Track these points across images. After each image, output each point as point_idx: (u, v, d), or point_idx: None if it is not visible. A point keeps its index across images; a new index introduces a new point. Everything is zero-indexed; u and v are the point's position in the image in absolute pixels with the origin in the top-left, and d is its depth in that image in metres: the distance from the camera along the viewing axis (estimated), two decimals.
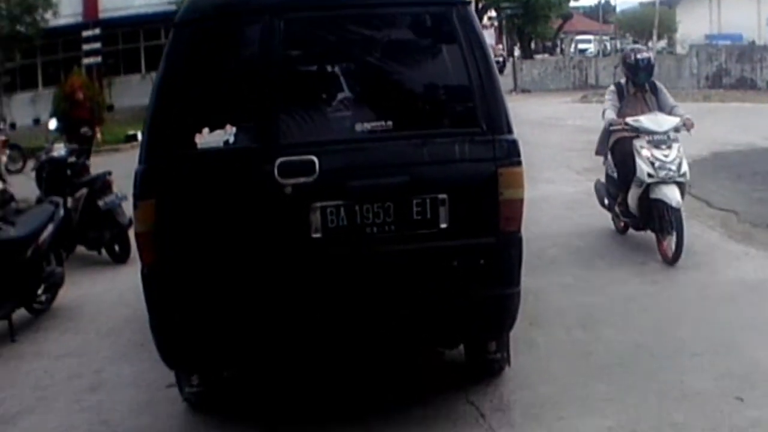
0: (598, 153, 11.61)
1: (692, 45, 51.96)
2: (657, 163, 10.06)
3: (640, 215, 10.59)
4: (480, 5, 64.28)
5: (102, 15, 30.97)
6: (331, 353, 6.45)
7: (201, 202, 5.95)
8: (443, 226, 6.00)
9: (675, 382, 6.61)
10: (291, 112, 6.18)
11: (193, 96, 6.15)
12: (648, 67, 10.78)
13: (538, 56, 57.32)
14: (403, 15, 6.46)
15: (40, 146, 17.35)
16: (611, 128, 10.64)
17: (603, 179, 11.61)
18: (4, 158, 15.60)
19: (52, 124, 16.57)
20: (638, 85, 10.77)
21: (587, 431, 6.03)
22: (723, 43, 51.22)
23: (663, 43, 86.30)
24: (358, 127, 6.11)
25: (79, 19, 30.97)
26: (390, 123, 6.12)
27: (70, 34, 29.94)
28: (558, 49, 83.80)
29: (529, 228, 6.53)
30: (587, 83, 43.54)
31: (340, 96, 6.32)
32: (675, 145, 10.19)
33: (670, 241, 9.98)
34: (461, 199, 6.03)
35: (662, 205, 10.04)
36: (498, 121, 6.11)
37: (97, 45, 26.39)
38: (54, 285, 9.50)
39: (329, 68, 6.42)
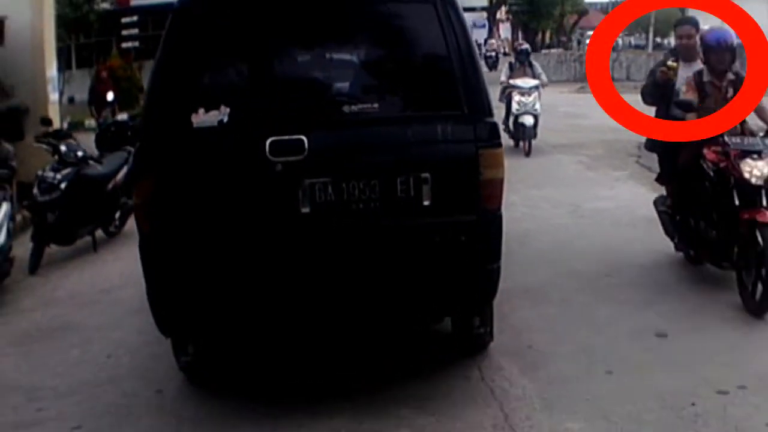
0: (500, 100, 19.02)
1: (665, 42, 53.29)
2: (521, 103, 18.87)
3: (514, 130, 19.01)
4: (494, 1, 66.08)
5: (134, 2, 32.54)
6: (319, 322, 6.54)
7: (196, 178, 6.17)
8: (426, 203, 6.17)
9: None
10: (282, 94, 6.43)
11: (189, 78, 6.39)
12: (525, 52, 20.80)
13: (553, 50, 58.42)
14: (390, 1, 6.72)
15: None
16: (502, 85, 19.88)
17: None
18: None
19: (110, 96, 18.97)
20: (521, 62, 20.28)
21: None
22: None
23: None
24: (346, 108, 6.34)
25: (109, 6, 32.98)
26: (376, 105, 6.36)
27: (104, 19, 32.03)
28: (574, 44, 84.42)
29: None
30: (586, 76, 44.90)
31: (329, 79, 6.66)
32: (534, 94, 19.08)
33: (525, 144, 18.77)
34: (444, 178, 6.20)
35: (522, 126, 18.72)
36: (479, 105, 6.33)
37: (135, 31, 27.93)
38: (125, 213, 12.01)
39: (319, 52, 6.70)
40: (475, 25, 78.44)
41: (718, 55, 8.65)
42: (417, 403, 6.21)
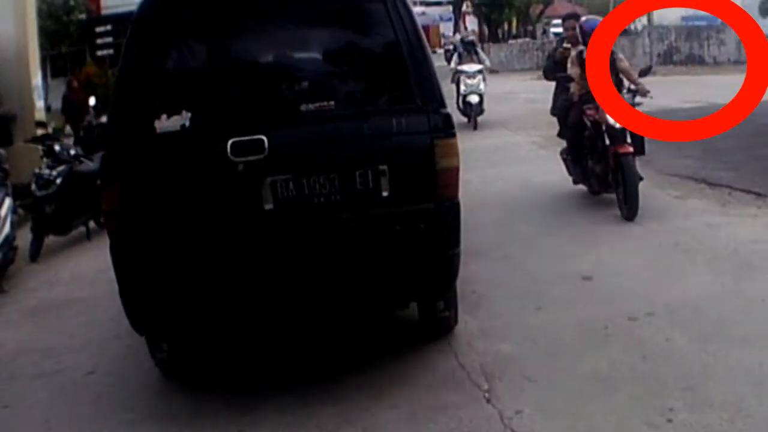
0: (451, 82, 23.27)
1: (644, 26, 54.53)
2: (468, 85, 22.43)
3: (464, 108, 22.47)
4: None
5: (105, 11, 32.90)
6: (288, 315, 6.65)
7: (162, 182, 6.29)
8: (385, 194, 6.33)
9: None
10: (241, 96, 6.57)
11: (151, 85, 6.49)
12: (471, 42, 24.69)
13: (519, 40, 59.14)
14: (344, 2, 6.91)
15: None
16: (452, 71, 24.13)
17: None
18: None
19: (92, 100, 19.96)
20: (467, 51, 23.83)
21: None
22: (698, 23, 52.40)
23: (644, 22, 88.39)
24: (303, 107, 6.46)
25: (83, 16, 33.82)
26: (332, 102, 6.52)
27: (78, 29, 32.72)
28: (539, 33, 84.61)
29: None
30: None
31: (286, 79, 6.76)
32: (478, 77, 22.65)
33: (473, 119, 22.20)
34: (401, 169, 6.37)
35: (469, 104, 22.31)
36: (432, 97, 6.50)
37: (109, 39, 28.46)
38: None
39: (275, 53, 6.92)
40: (441, 19, 79.19)
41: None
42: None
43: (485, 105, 22.76)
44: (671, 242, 9.56)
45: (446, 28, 71.59)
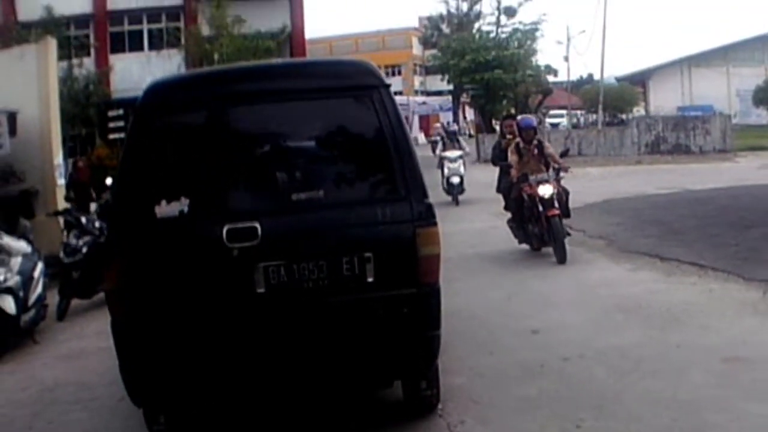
0: (437, 167, 27.62)
1: (633, 117, 56.22)
2: (450, 168, 26.42)
3: (447, 187, 26.21)
4: (453, 86, 68.73)
5: (115, 95, 35.21)
6: (279, 391, 6.98)
7: (161, 264, 6.59)
8: (370, 280, 6.62)
9: None
10: (236, 185, 6.88)
11: (152, 172, 6.80)
12: (453, 132, 29.27)
13: None
14: (332, 97, 7.10)
15: None
16: (437, 157, 28.35)
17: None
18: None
19: (109, 181, 21.50)
20: (450, 140, 27.96)
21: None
22: (694, 114, 55.39)
23: (641, 112, 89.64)
24: (294, 196, 6.78)
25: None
26: (321, 192, 6.82)
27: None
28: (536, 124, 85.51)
29: None
30: None
31: (278, 169, 6.99)
32: (459, 161, 26.60)
33: (455, 196, 26.07)
34: (385, 256, 6.66)
35: (452, 185, 26.05)
36: (415, 188, 6.79)
37: (121, 123, 30.13)
38: None
39: (270, 146, 7.17)
40: (441, 108, 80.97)
41: (527, 132, 16.19)
42: None
43: (465, 185, 26.60)
44: (614, 304, 11.13)
45: (446, 117, 73.16)
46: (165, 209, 6.64)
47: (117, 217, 6.98)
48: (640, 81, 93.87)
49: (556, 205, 14.95)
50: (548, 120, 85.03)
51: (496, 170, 18.43)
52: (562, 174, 15.76)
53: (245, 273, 6.53)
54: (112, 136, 30.78)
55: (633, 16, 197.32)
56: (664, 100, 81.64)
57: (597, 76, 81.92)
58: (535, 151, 15.93)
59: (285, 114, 7.07)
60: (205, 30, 38.27)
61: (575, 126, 74.83)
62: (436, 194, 22.56)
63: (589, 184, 28.30)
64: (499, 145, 19.26)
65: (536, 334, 9.93)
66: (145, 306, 6.55)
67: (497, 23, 68.81)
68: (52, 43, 19.79)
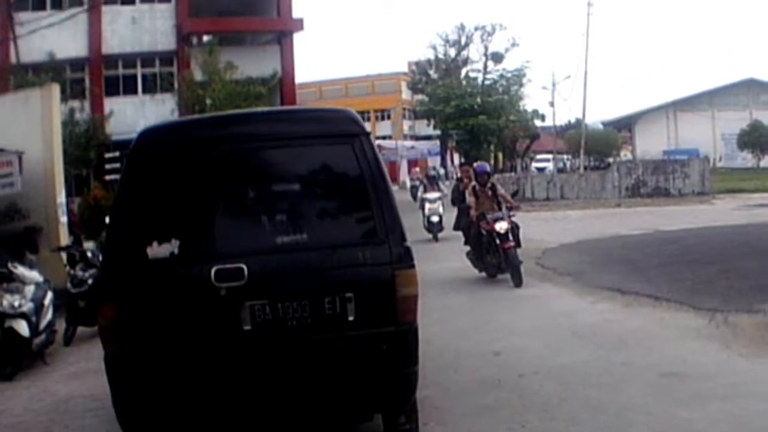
0: (419, 208, 29.88)
1: (614, 161, 57.24)
2: (430, 209, 28.44)
3: (428, 226, 27.80)
4: (440, 131, 69.70)
5: (112, 137, 36.05)
6: (265, 423, 7.22)
7: (153, 302, 6.85)
8: (351, 318, 6.91)
9: None
10: (224, 227, 7.12)
11: (144, 214, 7.07)
12: (433, 177, 31.52)
13: (497, 175, 61.17)
14: (316, 144, 7.34)
15: None
16: (419, 199, 31.21)
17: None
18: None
19: (108, 220, 22.41)
20: (431, 183, 30.60)
21: None
22: (679, 158, 56.13)
23: (629, 156, 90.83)
24: (279, 239, 7.04)
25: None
26: (305, 236, 7.08)
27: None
28: (519, 168, 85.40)
29: None
30: (524, 196, 46.10)
31: (265, 212, 7.27)
32: (438, 202, 28.64)
33: (435, 234, 27.85)
34: (365, 296, 6.93)
35: (432, 223, 27.89)
36: (394, 232, 7.07)
37: (117, 164, 30.67)
38: None
39: (256, 189, 7.38)
40: (430, 153, 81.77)
41: (481, 176, 18.94)
42: None
43: (444, 223, 27.80)
44: (571, 331, 12.38)
45: (434, 161, 73.97)
46: (156, 250, 6.93)
47: (110, 256, 7.31)
48: (626, 125, 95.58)
49: (511, 238, 17.32)
50: (534, 164, 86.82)
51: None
52: (513, 212, 18.35)
53: (232, 311, 6.82)
54: (108, 177, 31.62)
55: (619, 60, 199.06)
56: (650, 144, 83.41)
57: (585, 120, 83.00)
58: (490, 192, 18.55)
59: (271, 159, 7.41)
60: (198, 75, 39.42)
61: (561, 170, 75.75)
62: (417, 232, 24.24)
63: (567, 226, 29.89)
64: (457, 189, 23.83)
65: (498, 355, 11.04)
66: (137, 342, 6.85)
67: (484, 69, 70.22)
68: (55, 89, 20.64)
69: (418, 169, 58.71)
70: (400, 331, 6.99)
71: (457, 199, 22.34)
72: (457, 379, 9.94)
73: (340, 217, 7.37)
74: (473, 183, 19.16)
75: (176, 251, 6.95)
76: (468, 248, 19.34)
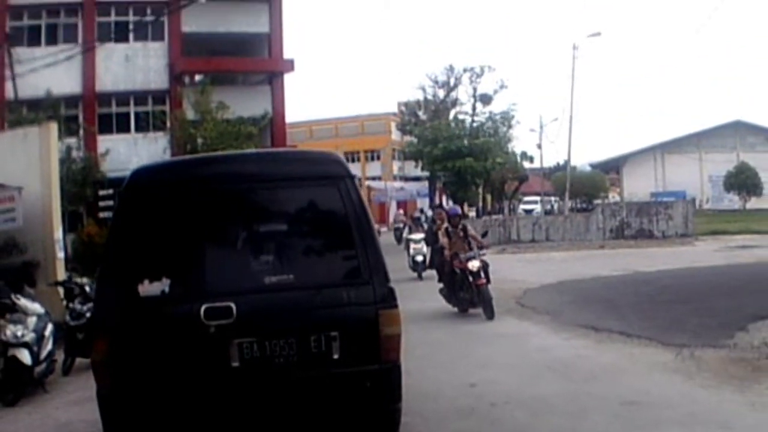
0: (404, 248, 32.44)
1: (598, 204, 57.71)
2: (415, 249, 29.61)
3: (413, 265, 28.94)
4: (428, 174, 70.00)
5: (110, 174, 36.24)
6: None
7: (144, 339, 7.02)
8: (335, 357, 7.11)
9: None
10: (214, 267, 7.31)
11: (135, 252, 7.25)
12: (417, 219, 32.08)
13: (484, 218, 61.56)
14: (301, 188, 7.59)
15: None
16: (404, 239, 35.37)
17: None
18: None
19: None
20: (415, 225, 34.64)
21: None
22: (667, 200, 57.28)
23: (616, 197, 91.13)
24: (267, 279, 7.27)
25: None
26: (292, 276, 7.33)
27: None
28: (506, 210, 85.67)
29: None
30: (510, 238, 48.29)
31: (253, 252, 7.54)
32: (422, 242, 29.23)
33: (419, 273, 28.27)
34: (350, 335, 7.14)
35: (416, 262, 28.87)
36: (378, 273, 7.30)
37: (110, 202, 31.18)
38: None
39: (244, 231, 7.57)
40: (419, 194, 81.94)
41: (454, 218, 20.66)
42: None
43: (428, 263, 28.13)
44: (544, 365, 13.04)
45: (423, 203, 74.04)
46: (147, 288, 7.23)
47: (103, 292, 7.55)
48: (614, 167, 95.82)
49: (482, 275, 18.73)
50: (522, 206, 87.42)
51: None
52: (483, 251, 19.85)
53: (221, 348, 7.06)
54: (102, 215, 32.19)
55: (607, 103, 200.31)
56: (637, 186, 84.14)
57: (572, 163, 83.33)
58: (461, 233, 20.02)
59: (259, 199, 7.71)
60: (190, 114, 40.07)
61: (548, 212, 76.14)
62: (403, 271, 25.42)
63: (550, 267, 30.52)
64: (431, 230, 26.80)
65: (473, 387, 11.66)
66: (129, 377, 7.07)
67: (473, 110, 70.57)
68: (53, 127, 21.32)
69: (401, 211, 59.64)
70: (383, 369, 7.25)
71: (431, 239, 24.94)
72: (434, 407, 10.54)
73: (325, 257, 7.63)
74: (445, 224, 21.07)
75: (167, 289, 7.27)
76: (441, 285, 20.73)
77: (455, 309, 19.93)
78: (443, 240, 20.52)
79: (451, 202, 67.57)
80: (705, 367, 12.31)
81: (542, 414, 10.06)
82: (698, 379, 11.59)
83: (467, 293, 19.18)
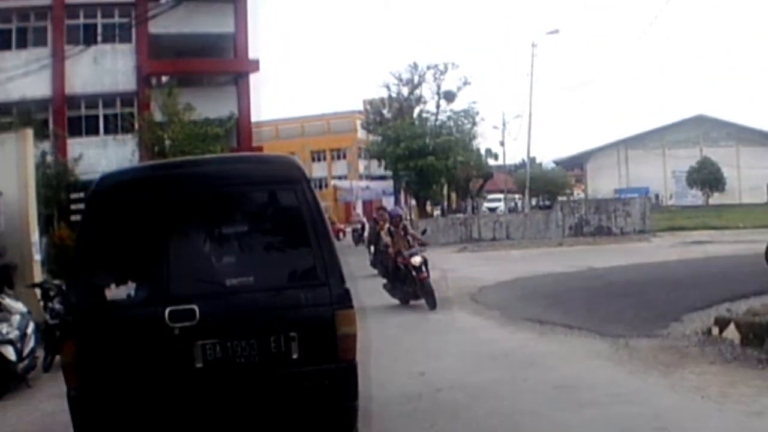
0: (366, 246, 34.41)
1: (558, 201, 58.60)
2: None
3: (374, 263, 27.37)
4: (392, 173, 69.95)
5: (83, 177, 36.45)
6: None
7: (111, 341, 7.14)
8: (294, 356, 7.28)
9: None
10: (177, 270, 7.35)
11: (102, 256, 7.44)
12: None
13: (445, 217, 61.90)
14: (260, 191, 7.83)
15: None
16: (365, 239, 38.43)
17: None
18: None
19: None
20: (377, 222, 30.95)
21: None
22: (630, 196, 58.46)
23: (580, 194, 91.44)
24: (228, 282, 7.43)
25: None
26: (252, 278, 7.49)
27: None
28: (469, 208, 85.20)
29: None
30: (471, 237, 49.50)
31: (214, 257, 7.67)
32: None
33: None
34: (307, 335, 7.30)
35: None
36: (334, 275, 7.46)
37: (81, 205, 31.81)
38: None
39: (207, 234, 7.71)
40: (385, 193, 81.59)
41: (395, 218, 22.73)
42: None
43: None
44: (488, 355, 14.18)
45: (388, 202, 74.27)
46: (114, 292, 7.31)
47: (71, 295, 7.86)
48: (578, 164, 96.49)
49: (424, 269, 20.61)
50: (486, 204, 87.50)
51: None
52: (423, 248, 21.71)
53: (185, 349, 7.20)
54: (73, 218, 32.38)
55: (570, 100, 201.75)
56: (602, 182, 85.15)
57: (537, 160, 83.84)
58: (402, 232, 21.94)
59: (219, 204, 7.82)
60: (158, 116, 40.68)
61: (512, 210, 76.66)
62: (365, 269, 26.50)
63: (506, 265, 31.62)
64: (373, 230, 29.50)
65: (422, 375, 12.73)
66: (96, 379, 7.19)
67: (437, 108, 71.00)
68: (29, 133, 21.96)
69: (359, 212, 60.27)
70: (340, 368, 7.42)
71: (374, 239, 27.38)
72: (384, 393, 11.42)
73: (284, 259, 7.77)
74: (387, 225, 23.19)
75: (132, 292, 7.37)
76: (385, 281, 22.46)
77: (398, 301, 21.80)
78: (386, 239, 22.46)
79: (413, 202, 68.47)
80: (636, 356, 13.46)
81: (481, 398, 11.16)
82: (628, 366, 12.76)
83: (410, 286, 21.15)
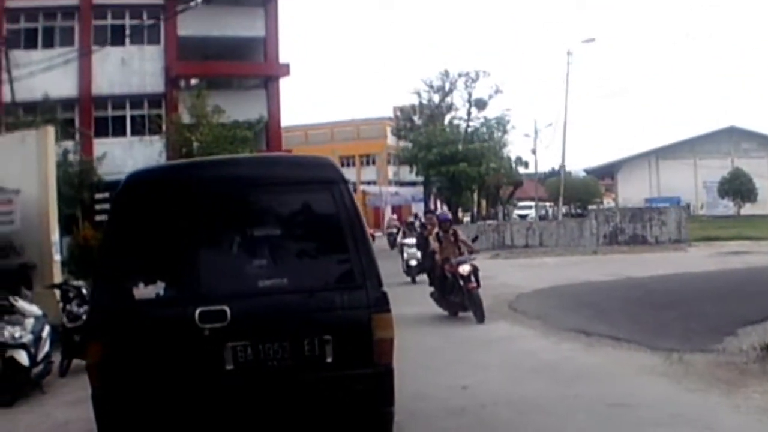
0: (399, 252, 33.11)
1: (591, 209, 57.85)
2: (408, 253, 30.00)
3: (406, 269, 29.46)
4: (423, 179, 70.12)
5: (107, 178, 35.41)
6: None
7: (139, 342, 7.05)
8: (329, 360, 7.14)
9: None
10: (208, 270, 7.26)
11: (130, 256, 7.31)
12: (411, 223, 29.05)
13: (479, 223, 61.50)
14: (295, 192, 7.64)
15: None
16: (398, 243, 34.89)
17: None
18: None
19: None
20: (409, 230, 34.65)
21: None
22: (661, 205, 57.31)
23: (611, 203, 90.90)
24: (261, 283, 7.30)
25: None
26: (285, 279, 7.35)
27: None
28: (500, 215, 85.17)
29: None
30: (504, 244, 48.57)
31: (247, 257, 7.52)
32: (416, 247, 29.22)
33: (413, 276, 28.85)
34: (343, 339, 7.16)
35: (409, 266, 29.53)
36: (371, 277, 7.32)
37: (106, 205, 30.58)
38: None
39: (239, 234, 7.58)
40: (414, 199, 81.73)
41: (444, 223, 20.86)
42: None
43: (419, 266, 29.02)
44: (533, 367, 13.32)
45: (418, 208, 73.93)
46: (142, 291, 7.23)
47: (97, 296, 7.67)
48: (609, 173, 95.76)
49: (473, 279, 19.07)
50: (516, 211, 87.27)
51: None
52: (473, 256, 20.29)
53: (215, 351, 7.09)
54: (98, 218, 32.14)
55: (602, 109, 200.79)
56: (632, 191, 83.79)
57: (567, 168, 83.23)
58: (452, 238, 20.41)
59: (253, 203, 7.73)
60: (186, 118, 40.14)
61: (543, 217, 76.17)
62: (397, 276, 25.60)
63: (542, 273, 30.80)
64: (421, 235, 27.87)
65: (465, 389, 11.88)
66: (123, 380, 7.11)
67: (468, 115, 70.67)
68: (51, 130, 21.38)
69: (395, 216, 59.78)
70: (376, 373, 7.28)
71: (422, 244, 25.71)
72: (425, 408, 10.75)
73: (319, 261, 7.63)
74: (436, 229, 21.34)
75: (161, 292, 7.27)
76: (432, 289, 21.13)
77: (446, 312, 20.30)
78: (434, 245, 20.91)
79: (445, 207, 67.95)
80: (692, 371, 12.53)
81: (528, 414, 10.34)
82: (685, 383, 11.81)
83: (458, 297, 19.56)
